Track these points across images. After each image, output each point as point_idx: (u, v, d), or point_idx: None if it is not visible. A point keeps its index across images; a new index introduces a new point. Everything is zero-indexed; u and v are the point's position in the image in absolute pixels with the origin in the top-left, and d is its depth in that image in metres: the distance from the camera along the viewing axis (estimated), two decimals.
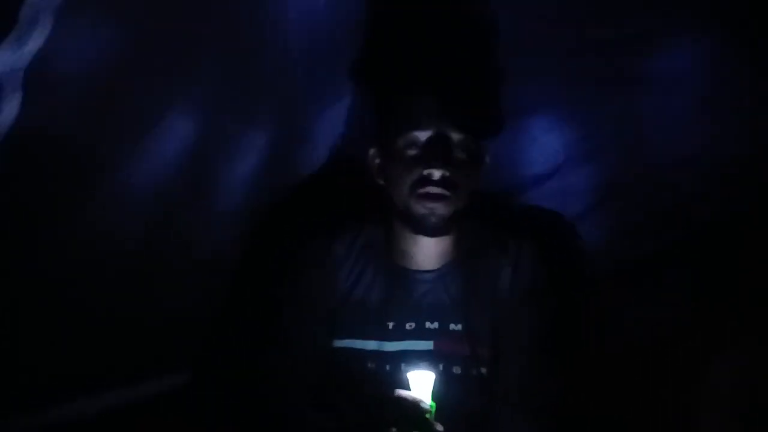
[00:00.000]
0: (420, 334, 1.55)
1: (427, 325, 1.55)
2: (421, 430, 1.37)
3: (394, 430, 1.38)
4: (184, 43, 1.36)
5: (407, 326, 1.55)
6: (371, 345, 1.55)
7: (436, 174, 1.49)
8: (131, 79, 1.30)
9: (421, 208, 1.50)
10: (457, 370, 1.53)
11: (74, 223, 1.39)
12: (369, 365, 1.54)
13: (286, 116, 1.68)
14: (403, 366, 1.51)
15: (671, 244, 1.83)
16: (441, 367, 1.50)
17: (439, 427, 1.39)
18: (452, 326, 1.55)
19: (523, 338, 1.54)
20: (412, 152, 1.52)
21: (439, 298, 1.57)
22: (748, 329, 1.66)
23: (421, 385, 1.40)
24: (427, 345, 1.54)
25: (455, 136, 1.51)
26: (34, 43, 1.14)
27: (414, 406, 1.38)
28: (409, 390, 1.40)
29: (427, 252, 1.57)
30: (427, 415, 1.38)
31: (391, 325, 1.55)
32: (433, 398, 1.40)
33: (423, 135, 1.51)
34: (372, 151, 1.59)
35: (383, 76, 1.72)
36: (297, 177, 1.81)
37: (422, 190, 1.49)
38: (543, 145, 1.84)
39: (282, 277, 1.61)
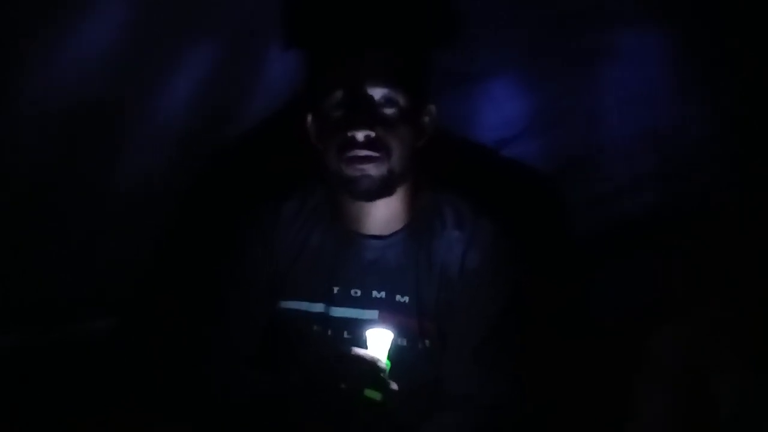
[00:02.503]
0: (365, 302, 1.49)
1: (374, 294, 1.50)
2: (375, 388, 1.33)
3: (343, 386, 1.33)
4: None
5: (352, 293, 1.50)
6: (317, 308, 1.50)
7: (360, 135, 1.41)
8: None
9: (351, 170, 1.42)
10: (402, 341, 1.47)
11: None
12: (314, 328, 1.49)
13: (236, 44, 1.62)
14: (345, 333, 1.47)
15: (629, 219, 1.79)
16: None
17: (394, 385, 1.35)
18: (399, 297, 1.50)
19: (471, 322, 1.48)
20: (336, 114, 1.44)
21: (388, 267, 1.50)
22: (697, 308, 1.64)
23: (378, 343, 1.37)
24: (371, 314, 1.49)
25: (378, 92, 1.43)
26: None
27: (371, 364, 1.34)
28: (366, 348, 1.37)
29: (376, 216, 1.50)
30: (382, 374, 1.35)
31: (336, 289, 1.50)
32: (389, 357, 1.37)
33: (344, 94, 1.43)
34: (309, 116, 1.54)
35: (307, 33, 1.67)
36: (243, 125, 1.75)
37: (349, 154, 1.41)
38: (503, 112, 1.79)
39: (224, 237, 1.55)
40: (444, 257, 1.50)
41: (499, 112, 1.80)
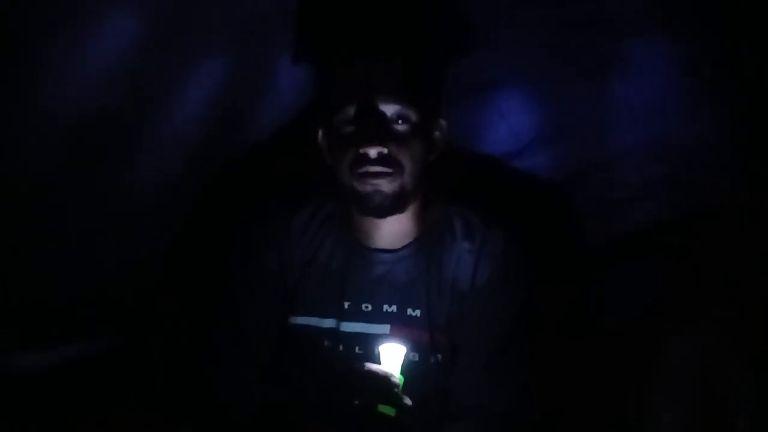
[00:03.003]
0: (377, 317, 1.49)
1: (385, 308, 1.49)
2: (389, 404, 1.33)
3: (357, 402, 1.33)
4: None
5: (363, 307, 1.49)
6: (328, 323, 1.49)
7: (372, 152, 1.39)
8: None
9: (364, 186, 1.41)
10: (414, 356, 1.47)
11: None
12: (326, 343, 1.49)
13: (249, 53, 1.62)
14: (357, 348, 1.47)
15: (638, 230, 1.80)
16: None
17: (407, 400, 1.35)
18: (410, 311, 1.49)
19: (483, 334, 1.47)
20: (348, 130, 1.42)
21: (398, 281, 1.50)
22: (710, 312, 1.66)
23: (391, 358, 1.37)
24: (383, 329, 1.48)
25: (390, 108, 1.41)
26: None
27: (384, 379, 1.34)
28: (379, 363, 1.37)
29: (387, 230, 1.49)
30: (395, 389, 1.34)
31: (347, 304, 1.50)
32: (402, 372, 1.37)
33: (356, 109, 1.42)
34: (320, 131, 1.52)
35: (318, 48, 1.67)
36: (253, 136, 1.75)
37: (361, 170, 1.40)
38: (513, 122, 1.79)
39: (235, 247, 1.55)
40: (455, 269, 1.49)
41: (508, 122, 1.79)
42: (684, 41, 1.71)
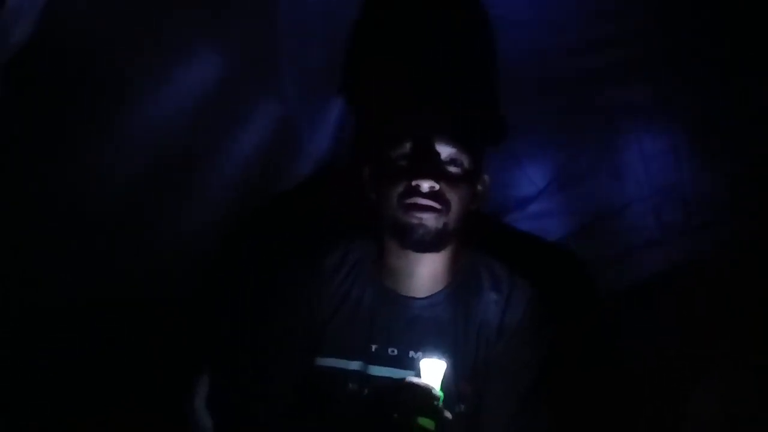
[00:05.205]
0: (402, 361, 1.51)
1: (411, 353, 1.51)
2: (430, 417, 1.35)
3: (396, 416, 1.35)
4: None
5: (389, 351, 1.51)
6: (354, 365, 1.51)
7: (425, 186, 1.45)
8: None
9: (409, 218, 1.45)
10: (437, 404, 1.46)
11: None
12: (350, 386, 1.50)
13: (281, 116, 1.68)
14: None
15: (653, 274, 1.82)
16: None
17: (448, 414, 1.38)
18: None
19: (508, 385, 1.50)
20: (401, 163, 1.48)
21: (426, 327, 1.52)
22: (731, 357, 1.67)
23: (432, 373, 1.39)
24: (408, 374, 1.47)
25: (445, 150, 1.48)
26: None
27: (425, 392, 1.36)
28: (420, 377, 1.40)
29: (418, 275, 1.52)
30: (435, 402, 1.37)
31: (374, 347, 1.51)
32: (442, 388, 1.39)
33: (413, 145, 1.48)
34: (366, 168, 1.56)
35: (374, 89, 1.72)
36: (287, 184, 1.79)
37: (409, 200, 1.45)
38: (528, 167, 1.84)
39: (265, 291, 1.57)
40: (482, 319, 1.52)
41: (525, 167, 1.83)
42: (696, 88, 1.74)
